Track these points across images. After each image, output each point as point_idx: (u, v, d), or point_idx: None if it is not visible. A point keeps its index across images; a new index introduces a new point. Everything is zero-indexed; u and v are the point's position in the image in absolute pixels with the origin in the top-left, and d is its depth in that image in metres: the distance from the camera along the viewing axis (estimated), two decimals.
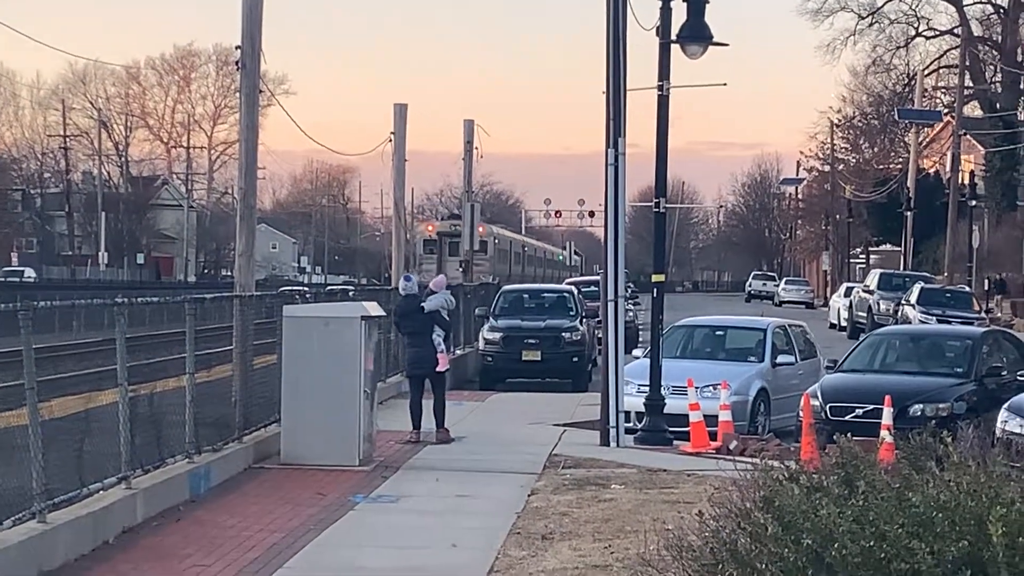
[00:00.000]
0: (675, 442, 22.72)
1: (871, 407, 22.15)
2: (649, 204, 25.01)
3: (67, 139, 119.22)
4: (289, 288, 49.57)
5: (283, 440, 20.00)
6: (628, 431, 22.84)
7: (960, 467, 9.29)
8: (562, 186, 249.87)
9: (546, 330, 37.24)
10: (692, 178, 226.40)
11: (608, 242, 23.07)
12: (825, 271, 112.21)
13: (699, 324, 29.32)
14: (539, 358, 36.85)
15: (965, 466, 9.28)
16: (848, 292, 64.68)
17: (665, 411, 23.16)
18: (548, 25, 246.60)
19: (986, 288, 70.68)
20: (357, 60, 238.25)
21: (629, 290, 36.98)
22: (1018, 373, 24.12)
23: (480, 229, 64.94)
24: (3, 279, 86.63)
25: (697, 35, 23.40)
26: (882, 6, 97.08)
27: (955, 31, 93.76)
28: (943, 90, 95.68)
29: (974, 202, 74.81)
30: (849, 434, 10.12)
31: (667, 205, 24.19)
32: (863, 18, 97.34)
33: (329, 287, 66.71)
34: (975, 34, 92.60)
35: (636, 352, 27.61)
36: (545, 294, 42.04)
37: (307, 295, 26.61)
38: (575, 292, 40.83)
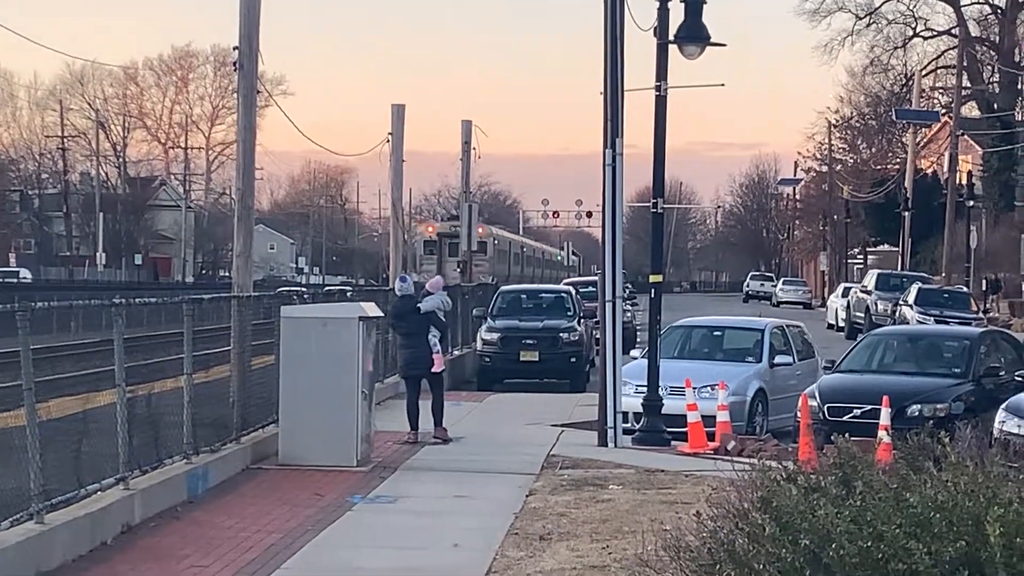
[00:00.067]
0: (673, 443, 22.72)
1: (869, 407, 22.16)
2: (647, 204, 25.03)
3: (65, 140, 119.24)
4: (287, 289, 49.56)
5: (281, 441, 20.00)
6: (626, 431, 22.84)
7: (958, 467, 9.29)
8: (560, 186, 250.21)
9: (544, 331, 37.24)
10: (690, 178, 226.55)
11: (606, 242, 23.07)
12: (823, 271, 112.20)
13: (697, 324, 29.33)
14: (537, 359, 36.84)
15: (963, 466, 9.29)
16: (846, 292, 64.73)
17: (663, 411, 23.17)
18: (546, 26, 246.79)
19: (984, 288, 70.72)
20: (355, 61, 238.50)
21: (627, 290, 37.01)
22: (1016, 373, 24.15)
23: (479, 230, 64.98)
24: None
25: (695, 35, 23.41)
26: (880, 6, 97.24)
27: (953, 31, 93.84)
28: (941, 90, 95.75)
29: (972, 202, 74.85)
30: (847, 434, 10.12)
31: (665, 205, 24.20)
32: (861, 18, 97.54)
33: (327, 288, 66.72)
34: (973, 34, 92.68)
35: (634, 352, 27.61)
36: (543, 294, 42.03)
37: (305, 296, 26.63)
38: (573, 292, 40.84)
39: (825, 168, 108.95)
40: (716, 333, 28.62)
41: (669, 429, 22.99)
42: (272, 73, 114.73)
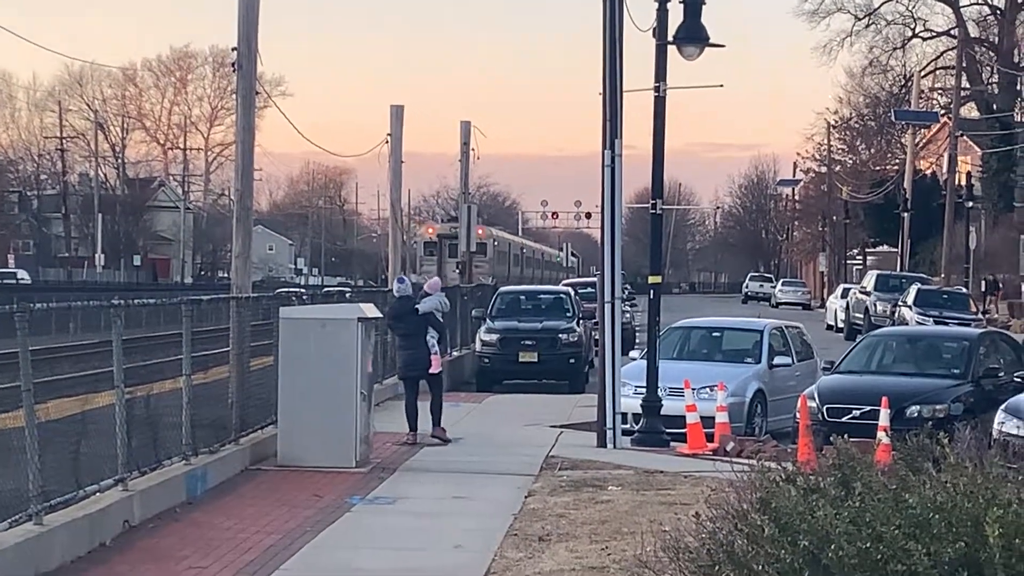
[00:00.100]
0: (672, 443, 22.73)
1: (868, 408, 22.16)
2: (646, 205, 25.04)
3: (63, 141, 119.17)
4: (286, 290, 49.57)
5: (280, 442, 19.99)
6: (625, 432, 22.83)
7: (957, 468, 9.29)
8: (559, 187, 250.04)
9: (543, 331, 37.23)
10: (689, 179, 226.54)
11: (605, 243, 23.07)
12: (822, 272, 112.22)
13: (696, 326, 29.33)
14: (536, 359, 36.83)
15: (962, 467, 9.29)
16: (845, 293, 64.75)
17: (662, 412, 23.17)
18: (545, 26, 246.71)
19: (983, 289, 70.74)
20: (353, 62, 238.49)
21: (626, 291, 37.11)
22: (1015, 374, 24.14)
23: (479, 231, 64.98)
24: None
25: (693, 36, 23.41)
26: (879, 7, 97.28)
27: (952, 32, 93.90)
28: (940, 91, 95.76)
29: (971, 203, 74.87)
30: (846, 435, 10.11)
31: (664, 206, 24.20)
32: (860, 19, 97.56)
33: (325, 289, 66.71)
34: (972, 35, 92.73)
35: (633, 353, 27.60)
36: (542, 295, 42.01)
37: (304, 297, 26.61)
38: (572, 293, 40.83)
39: (824, 169, 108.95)
40: (715, 334, 28.62)
41: (668, 430, 22.99)
42: (271, 74, 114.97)
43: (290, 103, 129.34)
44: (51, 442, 13.58)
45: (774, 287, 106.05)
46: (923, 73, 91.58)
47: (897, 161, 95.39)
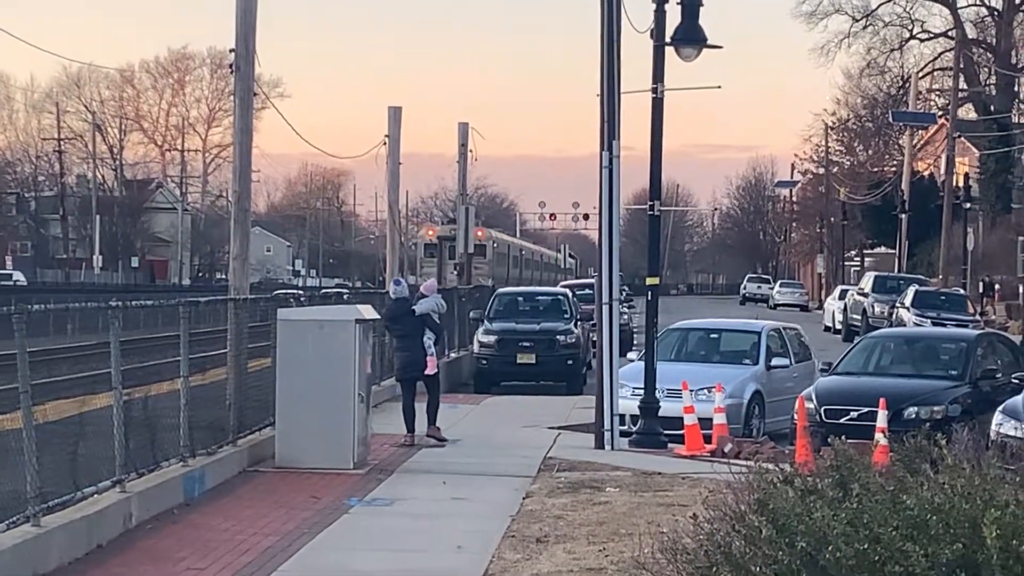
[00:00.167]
0: (670, 445, 22.72)
1: (866, 410, 22.17)
2: (644, 207, 25.02)
3: (61, 142, 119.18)
4: (283, 291, 49.56)
5: (278, 443, 19.99)
6: (623, 434, 22.83)
7: (954, 470, 9.29)
8: (557, 189, 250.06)
9: (541, 333, 37.22)
10: (687, 180, 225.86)
11: (603, 245, 23.07)
12: (820, 274, 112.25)
13: (694, 327, 29.34)
14: (534, 361, 36.83)
15: (959, 469, 9.29)
16: (843, 295, 64.76)
17: (660, 414, 23.16)
18: (542, 28, 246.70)
19: (980, 291, 70.72)
20: (351, 63, 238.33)
21: (624, 293, 37.07)
22: (1013, 375, 24.12)
23: (479, 233, 65.02)
24: None
25: (691, 38, 23.41)
26: (876, 8, 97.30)
27: (949, 33, 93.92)
28: (937, 92, 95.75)
29: (968, 205, 74.84)
30: (844, 437, 10.12)
31: (661, 208, 24.20)
32: (857, 20, 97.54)
33: (323, 290, 66.75)
34: (969, 36, 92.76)
35: (631, 355, 27.60)
36: (540, 297, 42.03)
37: (301, 298, 26.61)
38: (570, 295, 40.84)
39: (822, 170, 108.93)
40: (713, 335, 28.63)
41: (666, 431, 22.99)
42: (269, 75, 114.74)
43: (288, 104, 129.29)
44: (49, 444, 13.57)
45: (772, 288, 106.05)
46: (921, 74, 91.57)
47: (895, 162, 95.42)
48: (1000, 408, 20.07)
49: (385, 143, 43.14)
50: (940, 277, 69.65)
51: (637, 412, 23.42)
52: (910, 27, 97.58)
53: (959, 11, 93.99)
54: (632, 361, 26.28)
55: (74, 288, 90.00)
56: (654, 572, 10.14)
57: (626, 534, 14.63)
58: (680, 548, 9.50)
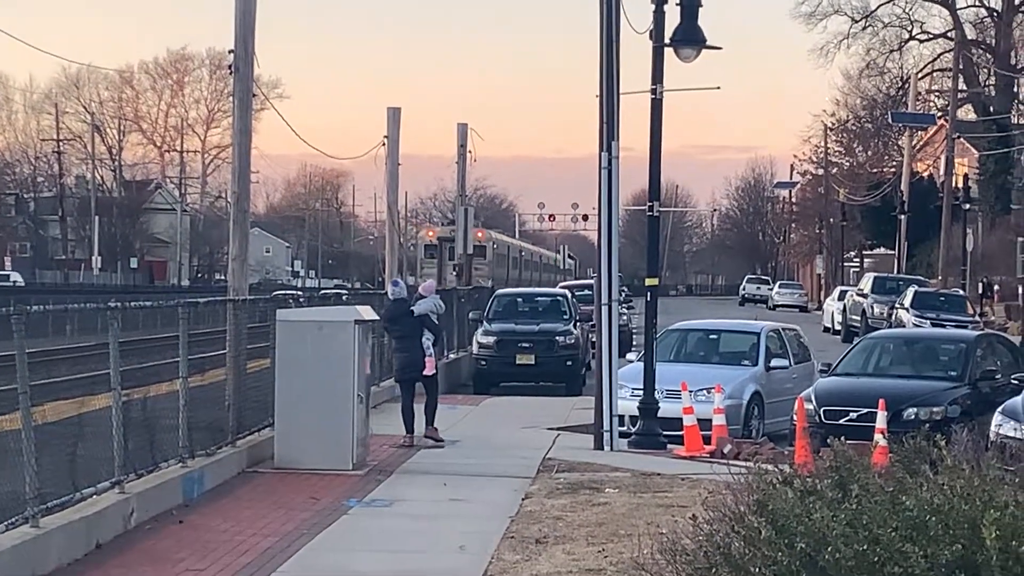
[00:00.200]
0: (669, 446, 22.72)
1: (865, 411, 22.16)
2: (643, 208, 25.06)
3: (60, 143, 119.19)
4: (283, 292, 49.56)
5: (277, 444, 19.98)
6: (622, 435, 22.84)
7: (954, 471, 9.29)
8: (556, 190, 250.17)
9: (540, 334, 37.21)
10: (686, 181, 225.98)
11: (602, 246, 23.07)
12: (819, 275, 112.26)
13: (693, 328, 29.34)
14: (533, 362, 36.83)
15: (959, 470, 9.28)
16: (842, 296, 64.77)
17: (659, 415, 23.16)
18: (542, 29, 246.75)
19: (980, 292, 70.72)
20: (350, 64, 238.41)
21: (623, 294, 37.05)
22: (1012, 376, 24.11)
23: (479, 234, 65.08)
24: None
25: (690, 39, 23.41)
26: (875, 9, 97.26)
27: (949, 34, 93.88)
28: (936, 93, 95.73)
29: (968, 206, 74.83)
30: (843, 438, 10.11)
31: (661, 209, 24.20)
32: (856, 21, 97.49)
33: (322, 291, 66.79)
34: (969, 37, 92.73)
35: (630, 356, 27.60)
36: (539, 298, 42.03)
37: (301, 299, 26.61)
38: (569, 296, 40.83)
39: (821, 171, 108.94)
40: (712, 336, 28.63)
41: (665, 432, 22.98)
42: (268, 76, 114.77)
43: (287, 105, 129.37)
44: (48, 445, 13.57)
45: (771, 289, 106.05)
46: (920, 75, 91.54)
47: (894, 163, 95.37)
48: (999, 409, 20.06)
49: (384, 144, 43.16)
50: (939, 278, 69.64)
51: (636, 413, 23.42)
52: (909, 28, 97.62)
53: (958, 12, 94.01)
54: (631, 362, 26.29)
55: (73, 289, 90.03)
56: (653, 573, 10.13)
57: (625, 535, 14.63)
58: (679, 549, 9.50)
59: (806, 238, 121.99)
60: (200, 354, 18.91)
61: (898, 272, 72.66)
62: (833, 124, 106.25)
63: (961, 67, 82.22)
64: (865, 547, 8.59)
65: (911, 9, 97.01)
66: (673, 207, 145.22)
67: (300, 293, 58.66)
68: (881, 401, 21.15)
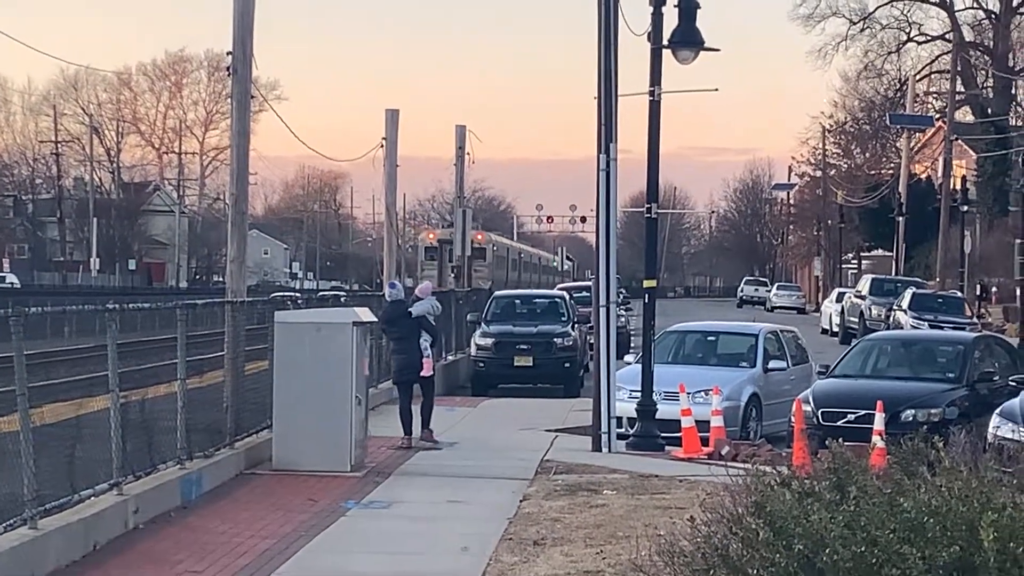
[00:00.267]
0: (667, 447, 22.72)
1: (863, 412, 22.16)
2: (641, 209, 25.06)
3: (59, 145, 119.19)
4: (281, 294, 49.55)
5: (275, 446, 19.98)
6: (620, 437, 22.84)
7: (952, 472, 9.29)
8: (554, 191, 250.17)
9: (538, 336, 37.21)
10: (684, 183, 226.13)
11: (600, 248, 23.08)
12: (817, 276, 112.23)
13: (691, 330, 29.33)
14: (531, 364, 36.82)
15: (957, 471, 9.29)
16: (840, 297, 64.75)
17: (657, 416, 23.16)
18: (540, 30, 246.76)
19: (978, 293, 70.69)
20: (349, 65, 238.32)
21: (621, 296, 37.00)
22: (1010, 378, 24.11)
23: (479, 236, 65.16)
24: None
25: (688, 40, 23.42)
26: (874, 11, 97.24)
27: (947, 36, 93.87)
28: (935, 95, 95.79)
29: (966, 207, 74.80)
30: (841, 439, 10.12)
31: (659, 211, 24.22)
32: (855, 23, 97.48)
33: (320, 293, 66.79)
34: (967, 39, 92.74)
35: (628, 357, 27.60)
36: (537, 300, 42.02)
37: (299, 301, 26.61)
38: (567, 298, 40.82)
39: (819, 173, 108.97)
40: (710, 338, 28.63)
41: (663, 434, 22.98)
42: (266, 78, 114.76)
43: (285, 107, 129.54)
44: (46, 446, 13.58)
45: (769, 291, 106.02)
46: (918, 77, 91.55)
47: (892, 165, 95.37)
48: (997, 411, 20.07)
49: (382, 146, 43.15)
50: (937, 280, 69.63)
51: (634, 415, 23.42)
52: (907, 30, 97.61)
53: (956, 14, 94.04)
54: (629, 364, 26.29)
55: (71, 291, 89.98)
56: (651, 574, 10.13)
57: (623, 536, 14.64)
58: (677, 551, 9.50)
59: (804, 240, 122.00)
60: (198, 356, 18.91)
61: (896, 274, 72.64)
62: (831, 126, 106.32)
63: (959, 69, 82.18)
64: (863, 548, 8.59)
65: (909, 11, 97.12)
66: (671, 209, 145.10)
67: (298, 295, 58.62)
68: (879, 403, 21.16)
